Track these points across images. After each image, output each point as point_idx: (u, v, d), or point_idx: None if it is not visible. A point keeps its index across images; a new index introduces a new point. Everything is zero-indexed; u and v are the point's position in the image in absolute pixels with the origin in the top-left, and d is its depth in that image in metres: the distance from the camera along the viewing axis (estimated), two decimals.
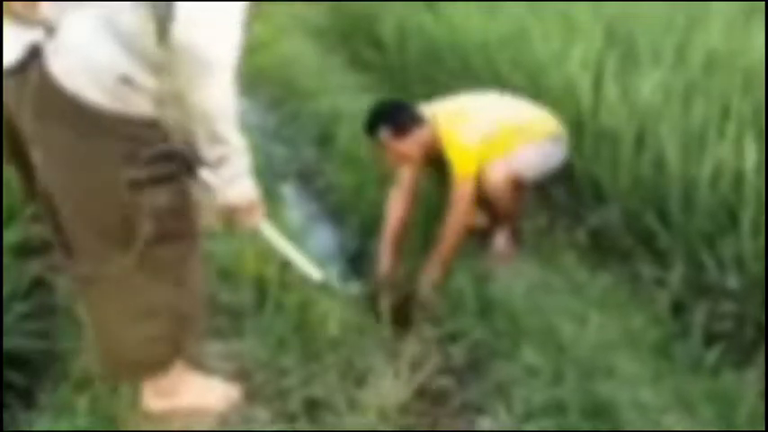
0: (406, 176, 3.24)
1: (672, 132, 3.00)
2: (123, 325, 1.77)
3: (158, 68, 1.53)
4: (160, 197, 1.61)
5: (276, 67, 6.55)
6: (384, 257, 3.21)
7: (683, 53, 3.68)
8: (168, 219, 1.65)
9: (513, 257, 3.19)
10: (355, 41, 6.63)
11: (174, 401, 1.99)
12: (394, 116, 3.13)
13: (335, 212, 4.32)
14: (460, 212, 3.00)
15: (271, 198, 4.14)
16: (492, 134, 3.03)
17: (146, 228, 1.58)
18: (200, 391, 2.04)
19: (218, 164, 1.63)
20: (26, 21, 1.48)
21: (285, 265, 2.63)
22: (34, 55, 1.50)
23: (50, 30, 1.49)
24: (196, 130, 1.58)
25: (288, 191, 4.75)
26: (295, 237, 3.44)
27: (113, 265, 1.62)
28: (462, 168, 2.99)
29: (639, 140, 3.15)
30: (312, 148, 4.90)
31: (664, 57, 3.57)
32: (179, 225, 1.71)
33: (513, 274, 3.00)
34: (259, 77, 6.66)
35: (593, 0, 4.61)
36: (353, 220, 4.02)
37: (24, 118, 1.54)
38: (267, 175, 4.67)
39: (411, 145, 3.11)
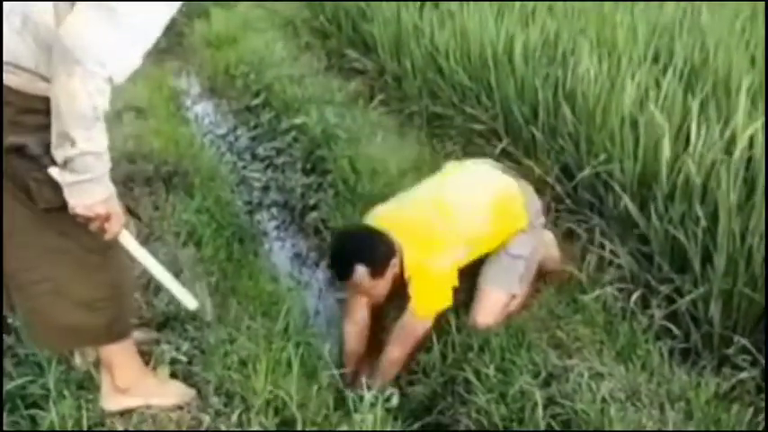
0: (360, 312, 2.76)
1: None
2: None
3: None
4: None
5: (245, 66, 5.77)
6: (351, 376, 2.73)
7: None
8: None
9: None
10: (336, 41, 5.88)
11: (130, 401, 2.03)
12: (372, 253, 2.58)
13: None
14: (408, 345, 2.64)
15: (246, 234, 3.49)
16: (464, 258, 2.67)
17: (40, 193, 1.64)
18: (156, 390, 2.06)
19: (63, 166, 1.57)
20: None
21: None
22: None
23: None
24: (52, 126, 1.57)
25: (269, 226, 4.03)
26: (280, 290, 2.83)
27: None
28: (426, 310, 2.63)
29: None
30: (299, 174, 4.16)
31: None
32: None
33: None
34: (226, 79, 5.90)
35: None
36: None
37: None
38: (241, 205, 4.03)
39: (385, 283, 2.63)
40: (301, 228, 3.93)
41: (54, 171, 1.59)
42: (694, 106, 2.91)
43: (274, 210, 4.15)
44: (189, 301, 1.85)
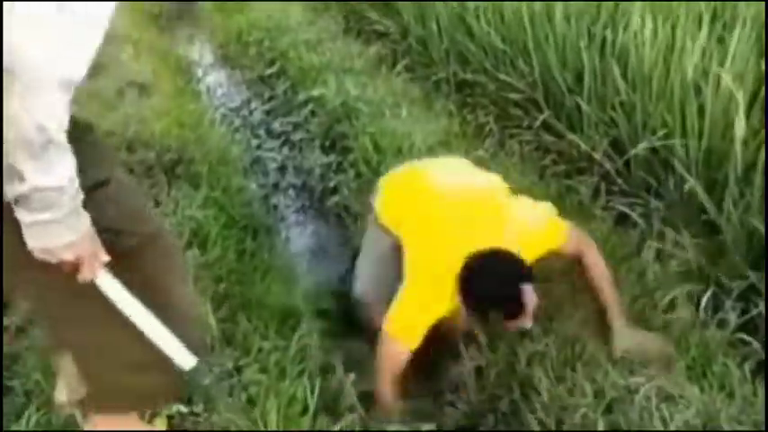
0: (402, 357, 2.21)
1: None
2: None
3: None
4: None
5: (259, 32, 5.39)
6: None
7: None
8: None
9: None
10: (355, 2, 5.45)
11: None
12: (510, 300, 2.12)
13: (353, 243, 3.20)
14: (381, 369, 2.22)
15: (260, 226, 3.17)
16: None
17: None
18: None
19: (16, 203, 1.29)
20: None
21: None
22: None
23: None
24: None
25: (287, 210, 3.70)
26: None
27: None
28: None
29: None
30: (317, 153, 3.80)
31: None
32: None
33: None
34: (238, 45, 5.53)
35: None
36: None
37: None
38: (255, 189, 3.70)
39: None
40: (321, 213, 3.59)
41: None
42: None
43: (291, 193, 3.81)
44: (185, 360, 1.51)
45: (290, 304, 2.41)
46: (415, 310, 2.17)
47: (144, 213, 1.58)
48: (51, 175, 1.24)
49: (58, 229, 1.30)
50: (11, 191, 1.25)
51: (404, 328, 2.17)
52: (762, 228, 2.24)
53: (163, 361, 1.50)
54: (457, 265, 2.11)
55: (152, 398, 1.65)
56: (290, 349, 2.09)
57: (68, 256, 1.32)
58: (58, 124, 1.20)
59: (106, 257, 1.39)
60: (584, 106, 3.10)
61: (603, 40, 3.22)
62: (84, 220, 1.32)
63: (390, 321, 2.17)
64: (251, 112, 4.64)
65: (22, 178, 1.23)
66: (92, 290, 1.40)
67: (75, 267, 1.35)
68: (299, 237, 3.54)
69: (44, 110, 1.19)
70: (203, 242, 2.61)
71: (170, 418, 1.83)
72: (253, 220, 3.17)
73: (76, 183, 1.28)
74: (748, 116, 2.47)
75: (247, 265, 2.67)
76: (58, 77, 1.17)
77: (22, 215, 1.28)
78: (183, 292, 1.64)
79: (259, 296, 2.45)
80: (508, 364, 2.29)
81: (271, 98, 4.66)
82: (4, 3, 1.15)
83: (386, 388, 2.21)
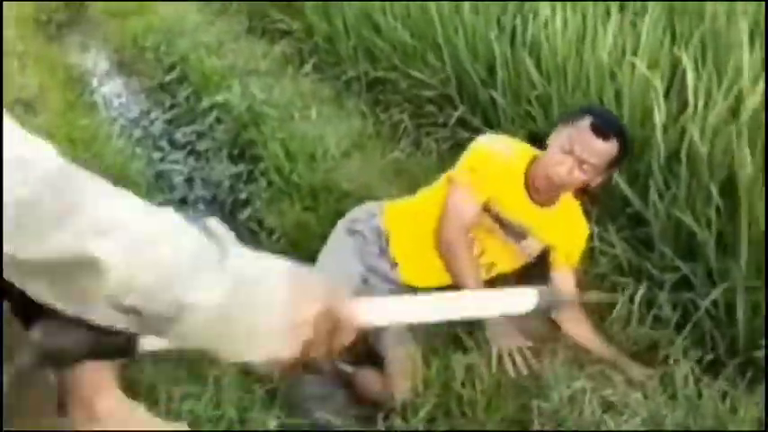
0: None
1: None
2: None
3: None
4: None
5: (156, 36, 5.08)
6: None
7: None
8: None
9: None
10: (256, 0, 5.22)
11: None
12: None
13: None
14: None
15: None
16: None
17: None
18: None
19: None
20: None
21: None
22: None
23: None
24: None
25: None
26: None
27: None
28: None
29: None
30: (226, 163, 3.58)
31: None
32: None
33: None
34: (134, 51, 5.21)
35: None
36: None
37: None
38: (162, 203, 3.44)
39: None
40: (234, 228, 3.37)
41: None
42: (685, 57, 2.43)
43: (201, 206, 3.57)
44: None
45: None
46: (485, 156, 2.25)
47: None
48: None
49: None
50: None
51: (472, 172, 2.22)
52: (688, 220, 2.18)
53: None
54: None
55: None
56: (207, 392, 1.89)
57: None
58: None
59: None
60: (499, 100, 3.00)
61: (513, 31, 3.13)
62: None
63: (460, 169, 2.26)
64: (152, 123, 4.34)
65: None
66: None
67: None
68: None
69: None
70: None
71: None
72: None
73: None
74: (666, 103, 2.42)
75: None
76: None
77: None
78: None
79: None
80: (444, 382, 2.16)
81: (172, 106, 4.37)
82: None
83: (460, 239, 2.19)
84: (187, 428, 1.66)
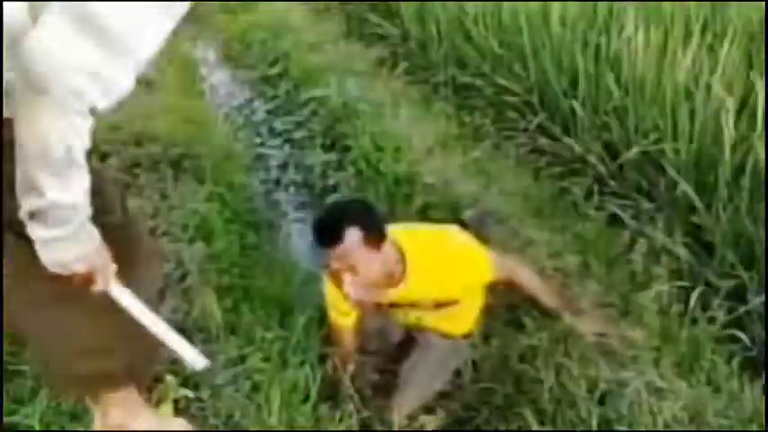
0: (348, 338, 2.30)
1: None
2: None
3: None
4: None
5: (262, 33, 5.47)
6: None
7: None
8: None
9: None
10: (356, 4, 5.53)
11: None
12: (368, 216, 2.08)
13: None
14: None
15: (262, 220, 3.25)
16: None
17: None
18: (152, 426, 1.80)
19: (30, 218, 1.31)
20: None
21: None
22: None
23: None
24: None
25: (288, 206, 3.77)
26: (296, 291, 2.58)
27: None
28: None
29: None
30: (318, 151, 3.88)
31: None
32: None
33: None
34: (242, 45, 5.61)
35: None
36: None
37: None
38: (257, 185, 3.78)
39: (381, 264, 2.07)
40: (321, 209, 3.67)
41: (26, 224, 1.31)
42: (759, 83, 2.57)
43: (292, 189, 3.88)
44: (197, 361, 1.59)
45: (291, 296, 2.49)
46: None
47: (114, 203, 1.61)
48: (70, 192, 1.28)
49: (72, 243, 1.34)
50: (27, 204, 1.28)
51: None
52: (751, 229, 2.32)
53: (117, 346, 1.61)
54: None
55: (105, 381, 1.70)
56: (292, 339, 2.16)
57: (81, 269, 1.38)
58: (82, 145, 1.23)
59: (115, 267, 1.45)
60: (578, 110, 3.18)
61: (598, 46, 3.31)
62: (94, 233, 1.37)
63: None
64: (253, 112, 4.71)
65: (42, 194, 1.25)
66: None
67: (86, 279, 1.41)
68: (299, 232, 3.61)
69: (73, 131, 1.21)
70: (208, 235, 2.69)
71: (176, 402, 1.91)
72: (255, 216, 3.25)
73: (88, 199, 1.31)
74: (737, 123, 2.57)
75: (250, 259, 2.75)
76: (91, 102, 1.19)
77: (38, 231, 1.31)
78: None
79: (261, 288, 2.52)
80: (502, 358, 2.37)
81: (273, 97, 4.74)
82: (46, 29, 1.14)
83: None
84: (187, 429, 1.87)
